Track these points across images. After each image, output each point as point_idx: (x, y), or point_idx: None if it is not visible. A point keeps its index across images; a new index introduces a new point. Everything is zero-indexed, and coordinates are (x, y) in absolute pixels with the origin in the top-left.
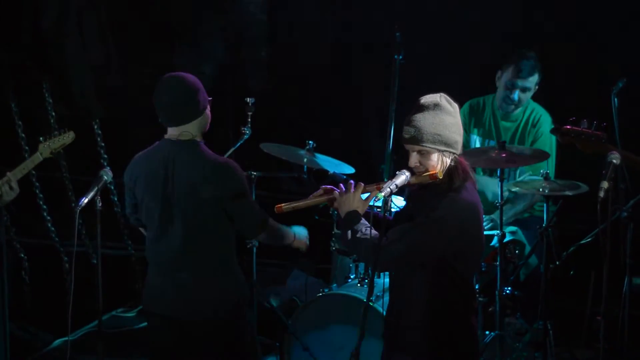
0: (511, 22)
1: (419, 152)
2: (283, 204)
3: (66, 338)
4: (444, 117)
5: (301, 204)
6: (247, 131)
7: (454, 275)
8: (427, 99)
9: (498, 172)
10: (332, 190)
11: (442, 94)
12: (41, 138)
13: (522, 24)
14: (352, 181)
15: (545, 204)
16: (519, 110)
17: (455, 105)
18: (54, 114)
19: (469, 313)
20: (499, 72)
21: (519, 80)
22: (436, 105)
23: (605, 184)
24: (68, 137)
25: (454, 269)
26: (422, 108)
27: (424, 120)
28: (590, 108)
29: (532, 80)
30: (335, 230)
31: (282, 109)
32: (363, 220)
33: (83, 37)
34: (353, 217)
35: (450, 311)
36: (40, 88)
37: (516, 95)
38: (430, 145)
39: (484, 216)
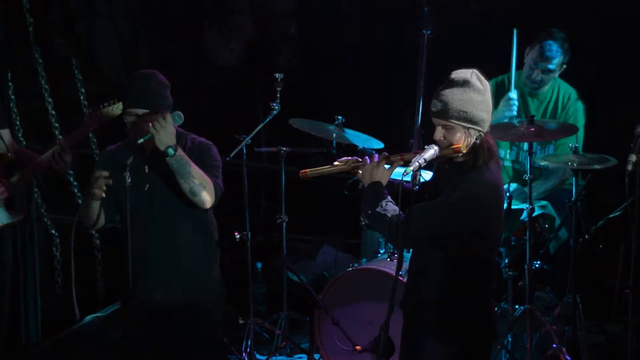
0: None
1: (444, 126)
2: (308, 170)
3: (96, 314)
4: (472, 95)
5: (326, 170)
6: (276, 107)
7: (472, 254)
8: (458, 74)
9: (526, 146)
10: (357, 160)
11: (474, 70)
12: (85, 110)
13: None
14: (376, 154)
15: (574, 178)
16: (547, 88)
17: (486, 83)
18: (83, 90)
19: (485, 291)
20: (527, 49)
21: (541, 62)
22: (465, 82)
23: (633, 157)
24: (117, 107)
25: (472, 248)
26: (452, 83)
27: (451, 96)
28: (622, 83)
29: (555, 63)
30: None
31: (311, 84)
32: (385, 192)
33: (112, 15)
34: (375, 189)
35: (466, 289)
36: (70, 65)
37: (538, 76)
38: (455, 122)
39: (516, 185)
